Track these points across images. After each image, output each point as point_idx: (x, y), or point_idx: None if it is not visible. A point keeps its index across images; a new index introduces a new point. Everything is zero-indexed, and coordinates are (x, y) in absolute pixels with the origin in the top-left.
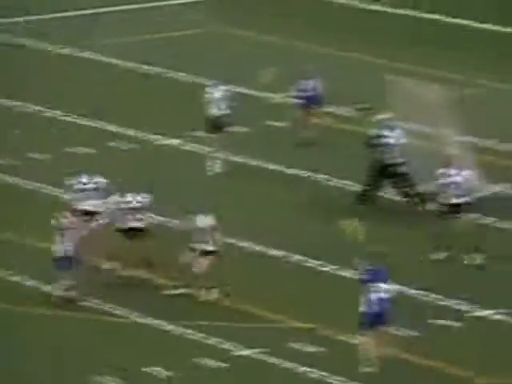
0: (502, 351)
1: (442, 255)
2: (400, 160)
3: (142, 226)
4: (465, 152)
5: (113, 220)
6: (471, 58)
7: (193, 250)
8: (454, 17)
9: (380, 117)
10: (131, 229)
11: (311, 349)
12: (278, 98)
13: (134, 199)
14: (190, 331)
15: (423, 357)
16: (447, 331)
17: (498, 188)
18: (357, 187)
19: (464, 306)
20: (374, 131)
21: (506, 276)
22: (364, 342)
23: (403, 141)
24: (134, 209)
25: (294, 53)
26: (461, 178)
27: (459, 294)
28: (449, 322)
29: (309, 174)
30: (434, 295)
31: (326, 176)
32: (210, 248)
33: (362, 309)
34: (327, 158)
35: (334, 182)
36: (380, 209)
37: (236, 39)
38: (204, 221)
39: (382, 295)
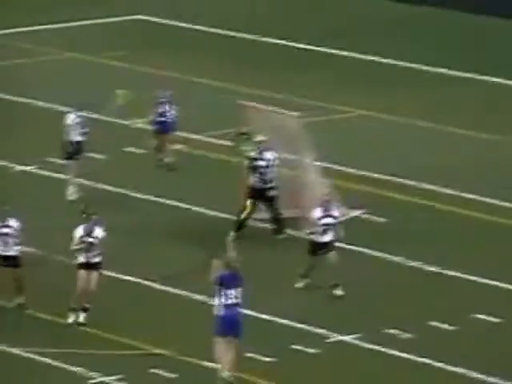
0: (358, 376)
1: (304, 283)
2: (274, 183)
3: (14, 253)
4: (320, 177)
5: None
6: (326, 83)
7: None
8: (305, 43)
9: (257, 139)
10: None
11: (170, 375)
12: (135, 124)
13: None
14: (47, 357)
15: (279, 382)
16: (304, 356)
17: (354, 213)
18: (214, 213)
19: (322, 332)
20: (251, 154)
21: (363, 301)
22: (217, 348)
23: (276, 163)
24: (5, 235)
25: (151, 79)
26: (332, 219)
27: (318, 321)
28: (306, 348)
29: (167, 200)
30: (292, 321)
31: (185, 202)
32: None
33: (215, 313)
34: (185, 183)
35: (193, 208)
36: (249, 234)
37: (94, 66)
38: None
39: (231, 301)
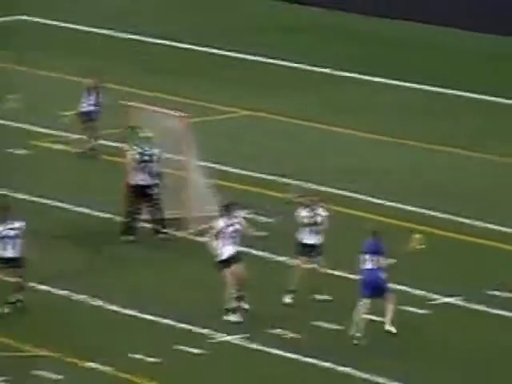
0: (243, 376)
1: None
2: (158, 181)
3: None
4: (204, 178)
5: None
6: (210, 84)
7: None
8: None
9: (143, 135)
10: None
11: (55, 376)
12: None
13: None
14: None
15: (162, 383)
16: (188, 357)
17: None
18: (98, 214)
19: (206, 331)
20: (139, 150)
21: (248, 301)
22: (361, 309)
23: (162, 160)
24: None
25: (36, 80)
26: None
27: (202, 321)
28: (190, 348)
29: (49, 200)
30: (175, 321)
31: (68, 203)
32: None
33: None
34: (68, 184)
35: (76, 208)
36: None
37: None
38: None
39: (371, 266)
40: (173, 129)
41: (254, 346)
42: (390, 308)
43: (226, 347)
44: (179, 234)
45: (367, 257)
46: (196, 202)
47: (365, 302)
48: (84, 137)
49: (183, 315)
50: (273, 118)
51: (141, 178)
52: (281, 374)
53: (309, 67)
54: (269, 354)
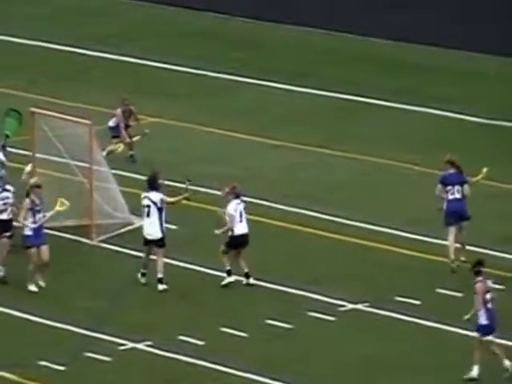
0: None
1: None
2: None
3: None
4: (112, 185)
5: None
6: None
7: None
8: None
9: None
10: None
11: None
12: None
13: None
14: None
15: None
16: (97, 364)
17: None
18: None
19: (115, 339)
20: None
21: (157, 308)
22: (450, 236)
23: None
24: None
25: None
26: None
27: (110, 328)
28: (99, 356)
29: None
30: (84, 328)
31: None
32: None
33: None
34: None
35: None
36: None
37: None
38: None
39: (457, 196)
40: (80, 136)
41: (163, 352)
42: (463, 238)
43: (135, 354)
44: (85, 240)
45: (449, 188)
46: (102, 208)
47: (451, 230)
48: None
49: (91, 322)
50: (180, 124)
51: None
52: (189, 380)
53: (207, 73)
54: (177, 360)
